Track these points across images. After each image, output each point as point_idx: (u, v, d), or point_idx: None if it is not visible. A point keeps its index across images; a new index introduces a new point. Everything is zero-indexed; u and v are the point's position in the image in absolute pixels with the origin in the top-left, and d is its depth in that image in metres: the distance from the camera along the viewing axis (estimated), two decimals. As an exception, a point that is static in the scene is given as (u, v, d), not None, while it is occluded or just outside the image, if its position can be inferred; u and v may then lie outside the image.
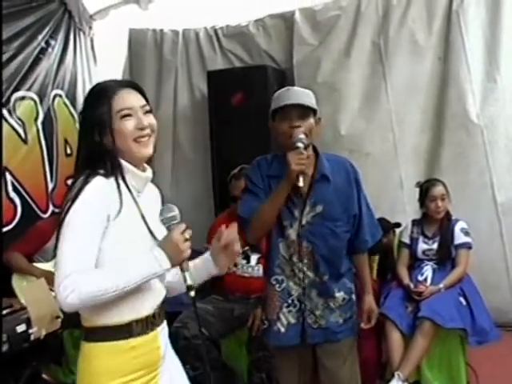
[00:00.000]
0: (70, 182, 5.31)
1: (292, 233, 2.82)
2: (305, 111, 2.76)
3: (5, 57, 4.51)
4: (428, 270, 4.18)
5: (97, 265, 1.87)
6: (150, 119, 2.00)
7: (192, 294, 1.93)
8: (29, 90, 4.78)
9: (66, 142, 5.22)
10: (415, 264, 4.29)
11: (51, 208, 4.96)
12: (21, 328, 3.14)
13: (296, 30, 5.55)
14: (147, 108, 2.01)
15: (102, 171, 1.92)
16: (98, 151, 1.95)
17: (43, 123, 4.93)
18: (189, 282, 1.92)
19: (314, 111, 2.79)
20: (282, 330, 2.87)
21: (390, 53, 5.21)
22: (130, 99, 1.98)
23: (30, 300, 3.32)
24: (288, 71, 5.63)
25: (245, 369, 3.96)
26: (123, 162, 1.97)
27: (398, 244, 4.43)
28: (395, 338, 3.92)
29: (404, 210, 4.97)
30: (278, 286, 2.87)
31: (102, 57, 5.85)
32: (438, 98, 5.10)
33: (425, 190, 4.26)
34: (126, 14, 5.76)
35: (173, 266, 1.90)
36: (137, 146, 1.96)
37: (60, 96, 5.19)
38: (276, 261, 2.86)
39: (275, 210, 2.78)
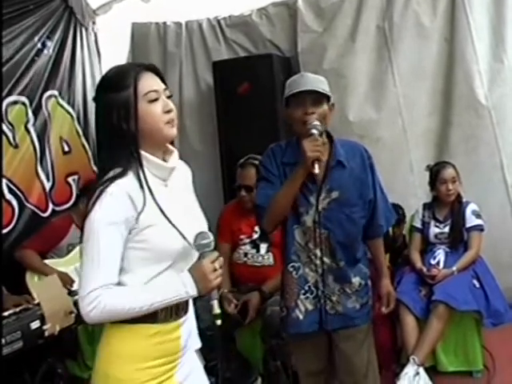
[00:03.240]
0: (70, 179, 5.25)
1: (308, 219, 2.80)
2: (318, 98, 2.74)
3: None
4: (440, 254, 4.17)
5: (126, 265, 1.88)
6: (171, 104, 1.95)
7: (219, 322, 1.95)
8: (21, 94, 4.68)
9: (61, 140, 5.13)
10: (427, 248, 4.28)
11: (51, 207, 4.91)
12: (35, 324, 3.15)
13: (300, 18, 5.51)
14: (168, 93, 1.96)
15: (121, 170, 1.87)
16: (118, 137, 1.88)
17: (36, 126, 4.83)
18: (216, 310, 1.94)
19: (327, 98, 2.78)
20: (301, 317, 2.86)
21: (396, 36, 5.17)
22: (155, 82, 1.94)
23: (43, 296, 3.33)
24: (293, 59, 5.60)
25: (260, 358, 3.96)
26: (146, 155, 1.91)
27: (409, 228, 4.42)
28: (409, 322, 3.92)
29: (416, 194, 4.94)
30: (294, 272, 2.85)
31: (104, 51, 5.81)
32: (445, 80, 5.06)
33: (435, 172, 4.25)
34: (129, 8, 5.73)
35: (199, 293, 1.91)
36: (167, 127, 1.91)
37: (55, 96, 5.09)
38: (292, 248, 2.85)
39: (290, 197, 2.76)
